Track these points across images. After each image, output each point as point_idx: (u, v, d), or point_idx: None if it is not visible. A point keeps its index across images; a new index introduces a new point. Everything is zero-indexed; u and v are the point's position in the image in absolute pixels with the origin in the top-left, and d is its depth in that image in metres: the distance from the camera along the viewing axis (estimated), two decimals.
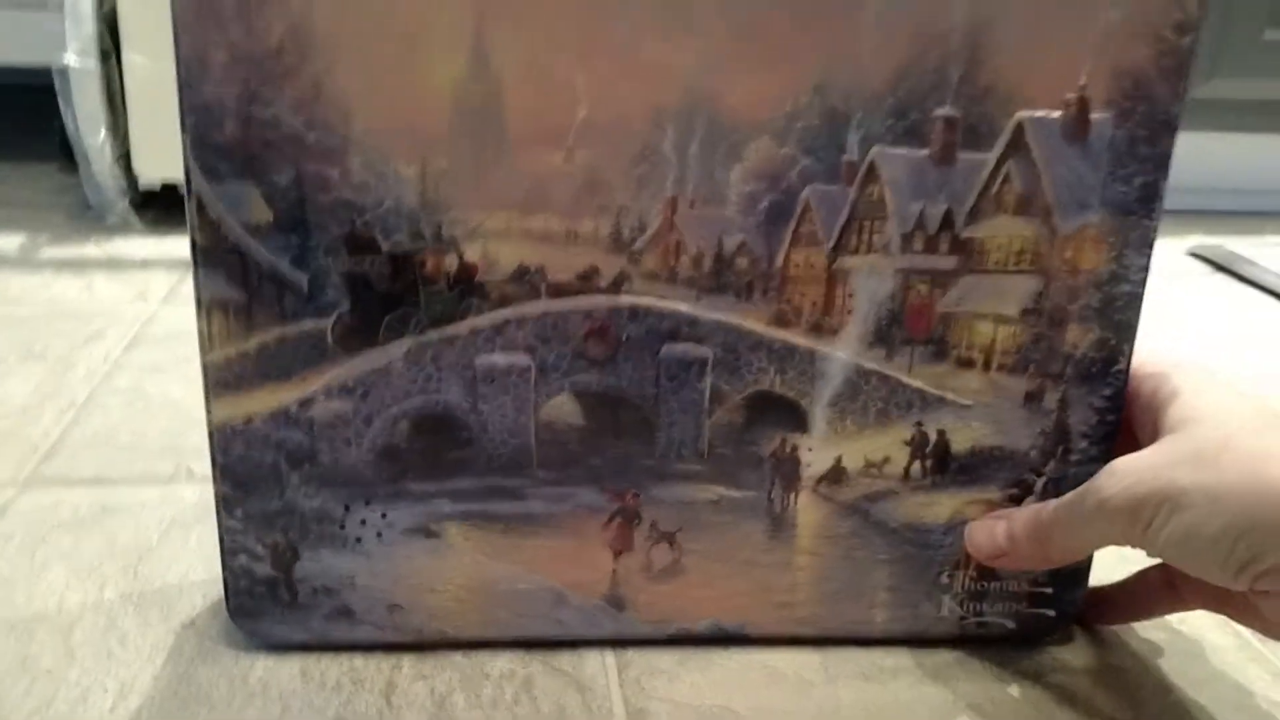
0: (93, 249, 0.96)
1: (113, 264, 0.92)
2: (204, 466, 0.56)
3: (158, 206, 1.04)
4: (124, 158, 1.00)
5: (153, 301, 0.84)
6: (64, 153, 1.08)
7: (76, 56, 0.96)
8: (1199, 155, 1.13)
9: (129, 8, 0.94)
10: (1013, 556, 0.44)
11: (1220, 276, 1.04)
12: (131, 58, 0.96)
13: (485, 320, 0.41)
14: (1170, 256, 1.08)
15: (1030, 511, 0.43)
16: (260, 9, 0.37)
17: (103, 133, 0.98)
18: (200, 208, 0.39)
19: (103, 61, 0.97)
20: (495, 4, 0.37)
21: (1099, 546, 0.43)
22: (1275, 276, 1.00)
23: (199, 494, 0.56)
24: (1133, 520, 0.39)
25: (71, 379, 0.69)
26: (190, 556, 0.51)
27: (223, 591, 0.44)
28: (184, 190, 0.38)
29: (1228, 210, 1.22)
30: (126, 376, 0.70)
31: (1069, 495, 0.42)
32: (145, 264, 0.92)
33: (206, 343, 0.40)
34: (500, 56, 0.38)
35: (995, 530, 0.44)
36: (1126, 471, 0.39)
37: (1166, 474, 0.38)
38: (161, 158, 1.00)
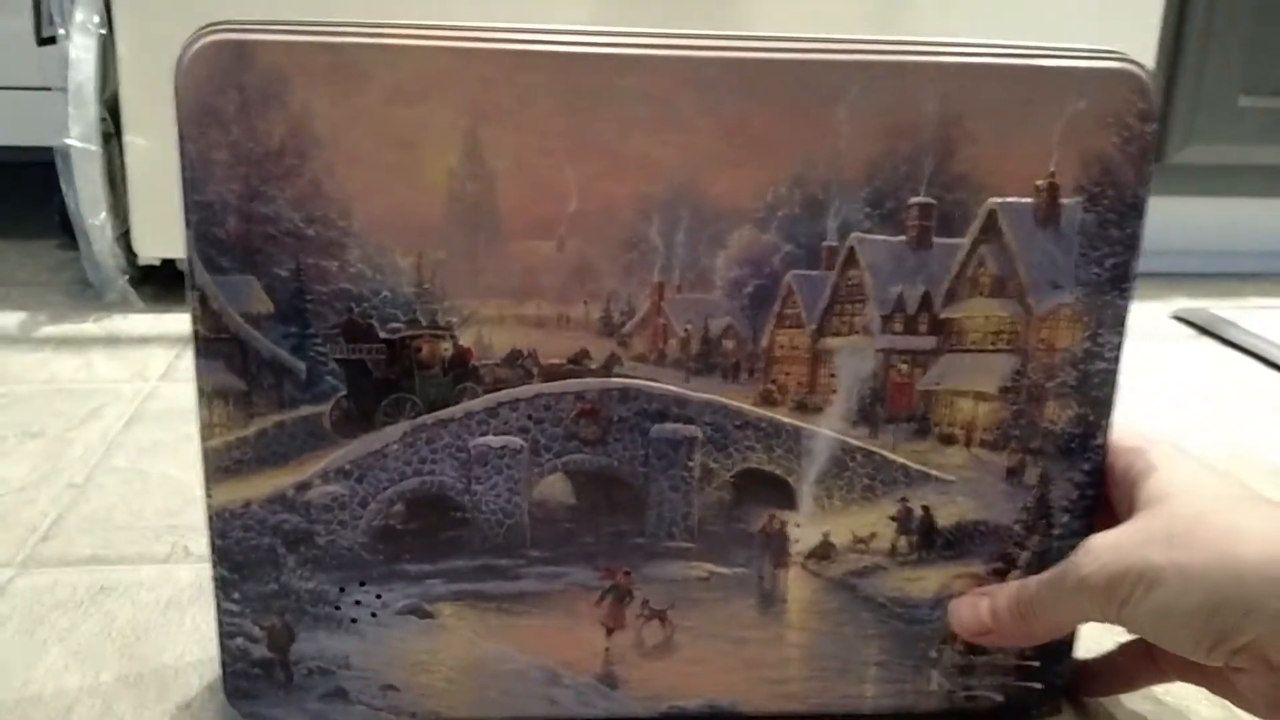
0: (91, 326, 0.98)
1: (111, 341, 0.94)
2: (201, 545, 0.56)
3: (156, 283, 1.06)
4: (124, 236, 1.02)
5: (151, 379, 0.85)
6: (63, 230, 1.10)
7: (79, 139, 0.98)
8: (1178, 219, 1.16)
9: (130, 91, 0.97)
10: (997, 633, 0.45)
11: (1204, 340, 1.07)
12: (132, 140, 0.98)
13: (479, 403, 0.43)
14: (1155, 320, 1.11)
15: (1012, 589, 0.44)
16: (261, 112, 0.39)
17: (103, 213, 1.00)
18: (203, 300, 0.40)
19: (104, 143, 1.00)
20: (488, 106, 0.39)
21: (1080, 622, 0.44)
22: (1257, 339, 1.03)
23: (196, 573, 0.57)
24: (1109, 597, 0.40)
25: (69, 458, 0.70)
26: (186, 638, 0.52)
27: (220, 672, 0.45)
28: (186, 277, 0.40)
29: (1208, 273, 1.25)
30: (124, 455, 0.71)
31: (1049, 573, 0.43)
32: (144, 341, 0.94)
33: (207, 430, 0.41)
34: (493, 154, 0.40)
35: (979, 607, 0.45)
36: (1102, 549, 0.40)
37: (1140, 552, 0.39)
38: (161, 236, 1.02)
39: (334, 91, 0.38)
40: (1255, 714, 0.42)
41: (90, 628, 0.52)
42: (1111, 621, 0.41)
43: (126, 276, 1.03)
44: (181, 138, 0.39)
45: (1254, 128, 1.17)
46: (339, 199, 0.40)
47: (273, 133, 0.39)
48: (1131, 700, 0.50)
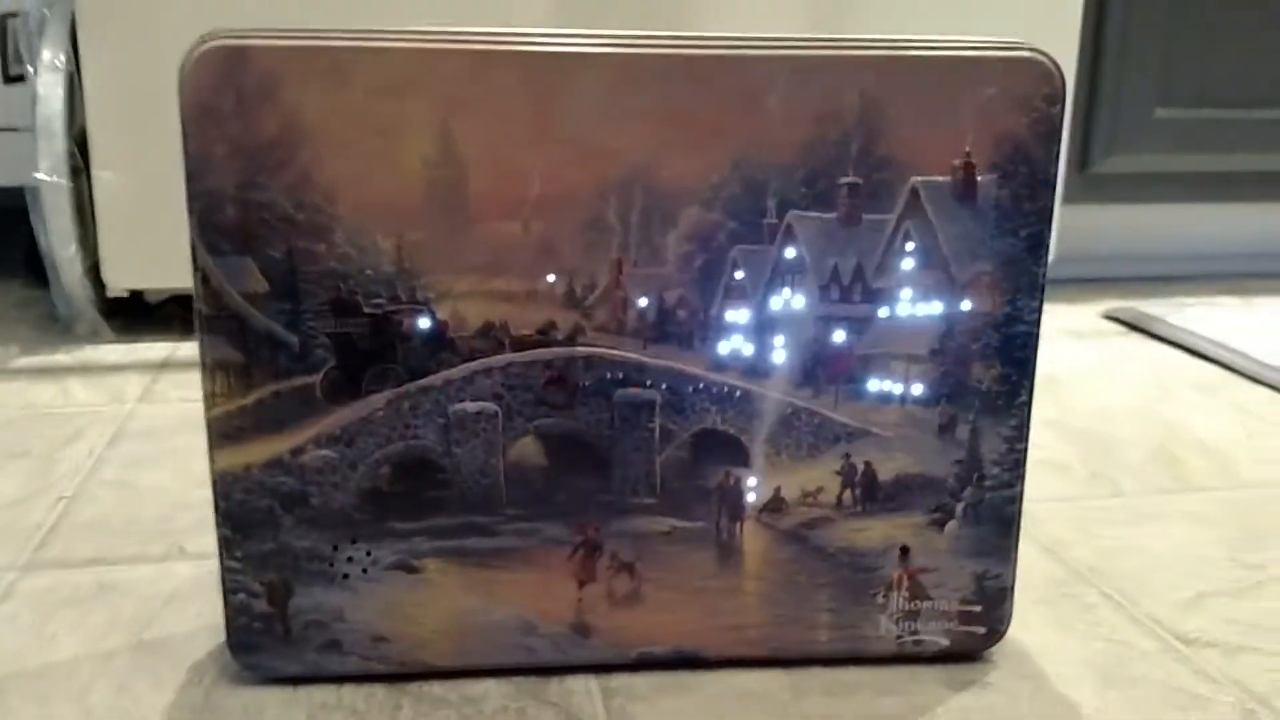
0: (64, 357, 1.03)
1: (86, 369, 0.99)
2: (197, 545, 0.62)
3: (124, 314, 1.11)
4: (93, 269, 1.08)
5: (130, 401, 0.90)
6: (28, 270, 1.16)
7: (48, 173, 1.04)
8: (1106, 226, 1.27)
9: (97, 126, 1.03)
10: None
11: (1134, 335, 1.18)
12: (100, 174, 1.04)
13: (456, 372, 0.49)
14: (1087, 319, 1.22)
15: None
16: (256, 108, 0.45)
17: (73, 245, 1.06)
18: (205, 280, 0.47)
19: (73, 178, 1.06)
20: (459, 100, 0.46)
21: None
22: (1183, 332, 1.15)
23: (194, 570, 0.62)
24: None
25: (58, 474, 0.76)
26: (192, 624, 0.56)
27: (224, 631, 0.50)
28: (190, 260, 0.46)
29: (1135, 276, 1.37)
30: (112, 469, 0.77)
31: None
32: (118, 368, 0.99)
33: (210, 400, 0.47)
34: (464, 143, 0.47)
35: None
36: None
37: None
38: (129, 267, 1.07)
39: (321, 88, 0.45)
40: None
41: (98, 620, 0.57)
42: None
43: (96, 307, 1.08)
44: (185, 135, 0.45)
45: (1169, 138, 1.30)
46: (325, 186, 0.46)
47: (266, 127, 0.45)
48: (1078, 640, 0.56)
